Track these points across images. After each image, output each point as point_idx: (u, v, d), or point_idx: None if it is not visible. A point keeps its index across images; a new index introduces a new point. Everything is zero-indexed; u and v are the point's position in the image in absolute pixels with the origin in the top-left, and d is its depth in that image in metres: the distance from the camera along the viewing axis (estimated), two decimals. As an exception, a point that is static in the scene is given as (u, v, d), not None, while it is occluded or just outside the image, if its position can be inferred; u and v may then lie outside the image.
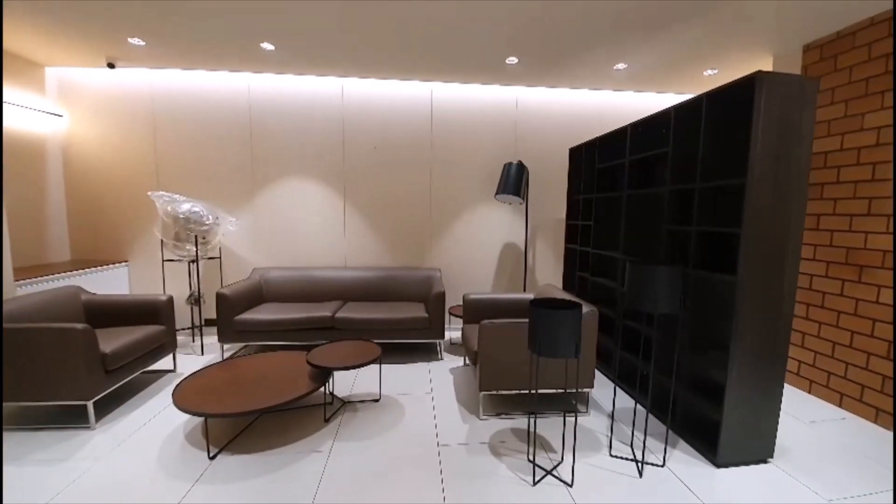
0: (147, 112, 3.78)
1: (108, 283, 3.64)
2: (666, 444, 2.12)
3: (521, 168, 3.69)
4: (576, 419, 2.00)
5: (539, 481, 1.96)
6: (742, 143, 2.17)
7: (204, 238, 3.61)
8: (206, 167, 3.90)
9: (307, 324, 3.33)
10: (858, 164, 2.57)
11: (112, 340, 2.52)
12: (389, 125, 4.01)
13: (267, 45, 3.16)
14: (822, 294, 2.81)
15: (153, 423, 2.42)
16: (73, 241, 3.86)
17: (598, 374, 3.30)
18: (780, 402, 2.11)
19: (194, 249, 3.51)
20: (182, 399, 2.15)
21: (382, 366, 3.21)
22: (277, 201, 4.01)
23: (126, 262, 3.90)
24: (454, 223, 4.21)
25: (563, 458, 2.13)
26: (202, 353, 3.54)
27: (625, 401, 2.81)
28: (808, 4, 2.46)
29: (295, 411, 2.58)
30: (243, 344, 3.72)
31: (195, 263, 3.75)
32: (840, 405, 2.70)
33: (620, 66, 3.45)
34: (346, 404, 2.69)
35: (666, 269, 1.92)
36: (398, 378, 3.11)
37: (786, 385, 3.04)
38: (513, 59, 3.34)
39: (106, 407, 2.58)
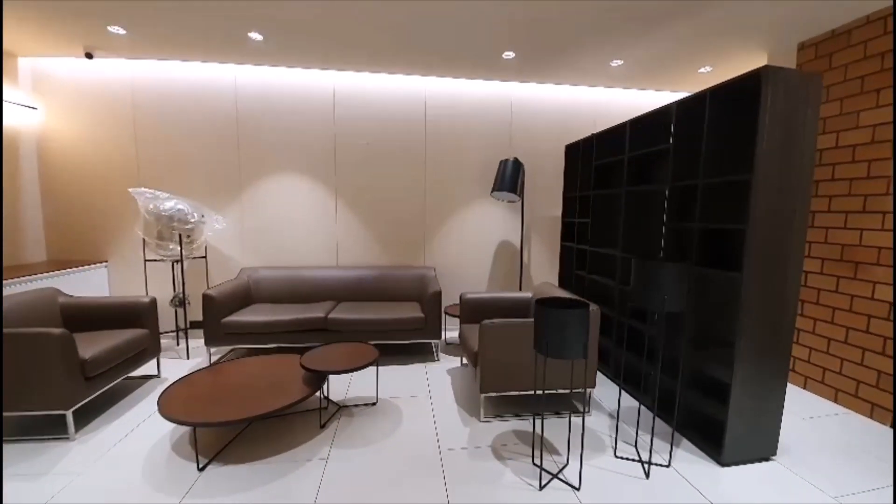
0: (127, 105, 3.61)
1: (86, 284, 3.45)
2: (672, 444, 2.09)
3: (518, 165, 3.64)
4: (583, 421, 1.95)
5: (545, 486, 1.91)
6: (746, 139, 2.16)
7: (189, 237, 3.47)
8: (191, 163, 3.74)
9: (299, 325, 3.22)
10: (854, 162, 2.59)
11: (92, 345, 2.38)
12: (382, 120, 3.92)
13: (255, 36, 3.03)
14: (817, 291, 2.83)
15: (137, 433, 2.28)
16: (48, 240, 3.66)
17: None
18: (784, 399, 2.10)
19: (178, 249, 3.37)
20: (168, 407, 2.04)
21: (378, 368, 3.12)
22: (266, 198, 3.88)
23: (105, 262, 3.72)
24: (448, 221, 4.14)
25: (568, 461, 2.09)
26: (188, 358, 3.39)
27: (625, 400, 2.79)
28: (803, 3, 2.46)
29: (288, 417, 2.48)
30: (231, 347, 3.58)
31: (179, 263, 3.59)
32: (835, 401, 2.73)
33: (617, 62, 3.43)
34: (341, 409, 2.60)
35: (673, 267, 1.89)
36: (394, 380, 3.03)
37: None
38: (509, 54, 3.28)
39: (86, 416, 2.44)
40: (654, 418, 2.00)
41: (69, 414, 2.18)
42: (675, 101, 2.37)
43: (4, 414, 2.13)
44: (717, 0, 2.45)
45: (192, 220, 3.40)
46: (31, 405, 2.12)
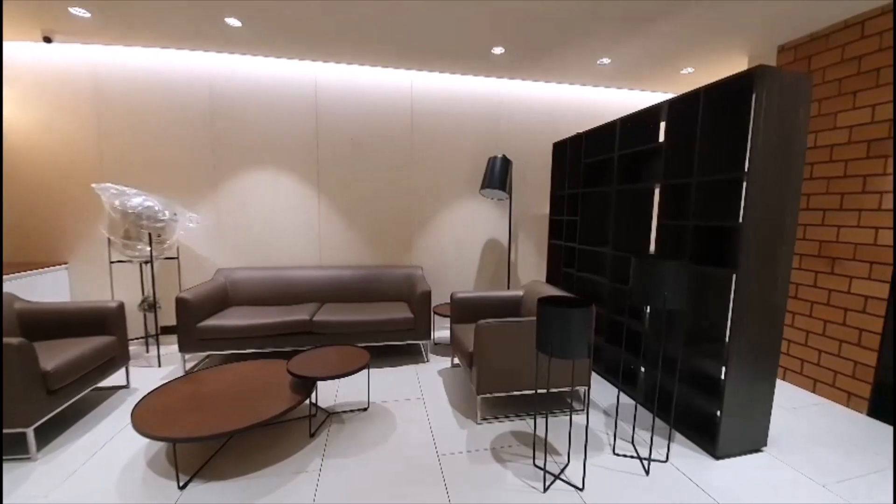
0: (89, 94, 3.32)
1: (44, 288, 3.16)
2: (670, 439, 2.10)
3: (506, 162, 3.60)
4: (587, 421, 1.93)
5: (548, 487, 1.88)
6: (739, 137, 2.20)
7: (159, 236, 3.24)
8: (161, 157, 3.49)
9: (282, 329, 3.07)
10: (831, 161, 2.69)
11: (54, 355, 2.16)
12: (367, 115, 3.79)
13: (232, 22, 2.85)
14: (795, 285, 2.94)
15: (108, 450, 2.10)
16: (3, 239, 3.34)
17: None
18: (773, 392, 2.15)
19: (148, 249, 3.14)
20: (143, 421, 1.87)
21: (369, 372, 3.01)
22: (243, 195, 3.68)
23: (66, 264, 3.42)
24: (435, 219, 4.06)
25: (568, 461, 2.06)
26: (159, 366, 3.17)
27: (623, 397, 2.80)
28: (783, 7, 2.53)
29: (275, 427, 2.34)
30: (206, 354, 3.38)
31: (149, 265, 3.35)
32: (814, 391, 2.84)
33: (605, 60, 3.44)
34: (331, 415, 2.49)
35: (674, 264, 1.89)
36: (384, 383, 2.94)
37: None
38: (499, 49, 3.23)
39: (49, 433, 2.22)
40: (654, 416, 2.01)
41: (30, 432, 1.97)
42: (667, 100, 2.38)
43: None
44: (701, 0, 2.47)
45: (163, 218, 3.18)
46: (-16, 424, 1.90)
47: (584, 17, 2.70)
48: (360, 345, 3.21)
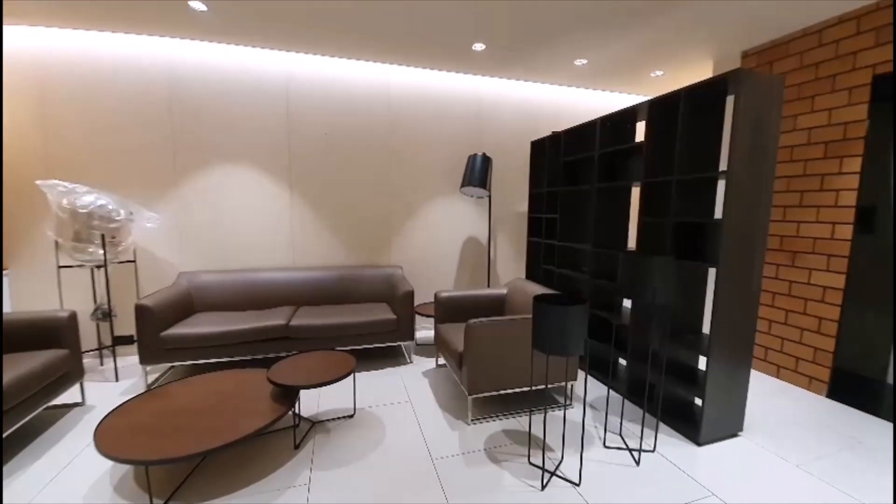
0: (33, 81, 2.97)
1: (-24, 298, 2.81)
2: (657, 430, 2.16)
3: (486, 160, 3.59)
4: (584, 417, 1.94)
5: (546, 485, 1.87)
6: (717, 137, 2.29)
7: (113, 237, 2.96)
8: (115, 151, 3.19)
9: (257, 335, 2.89)
10: (791, 161, 2.87)
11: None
12: (343, 110, 3.65)
13: (196, 5, 2.64)
14: (759, 278, 3.12)
15: (66, 475, 1.88)
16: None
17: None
18: (749, 380, 2.27)
19: (101, 252, 2.86)
20: (108, 443, 1.69)
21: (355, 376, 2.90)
22: (208, 193, 3.43)
23: (5, 269, 3.05)
24: (414, 217, 3.98)
25: (562, 457, 2.07)
26: (117, 380, 2.90)
27: (598, 389, 2.86)
28: (747, 14, 2.66)
29: (255, 440, 2.20)
30: (170, 365, 3.13)
31: (102, 269, 3.06)
32: (777, 376, 3.03)
33: (581, 61, 3.50)
34: (315, 425, 2.37)
35: (662, 260, 1.94)
36: (368, 388, 2.84)
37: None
38: (480, 46, 3.20)
39: (-11, 462, 1.97)
40: (644, 409, 2.05)
41: (-32, 463, 1.73)
42: (648, 101, 2.44)
43: None
44: (677, 4, 2.55)
45: (118, 218, 2.91)
46: None
47: (566, 16, 2.72)
48: (341, 349, 3.09)
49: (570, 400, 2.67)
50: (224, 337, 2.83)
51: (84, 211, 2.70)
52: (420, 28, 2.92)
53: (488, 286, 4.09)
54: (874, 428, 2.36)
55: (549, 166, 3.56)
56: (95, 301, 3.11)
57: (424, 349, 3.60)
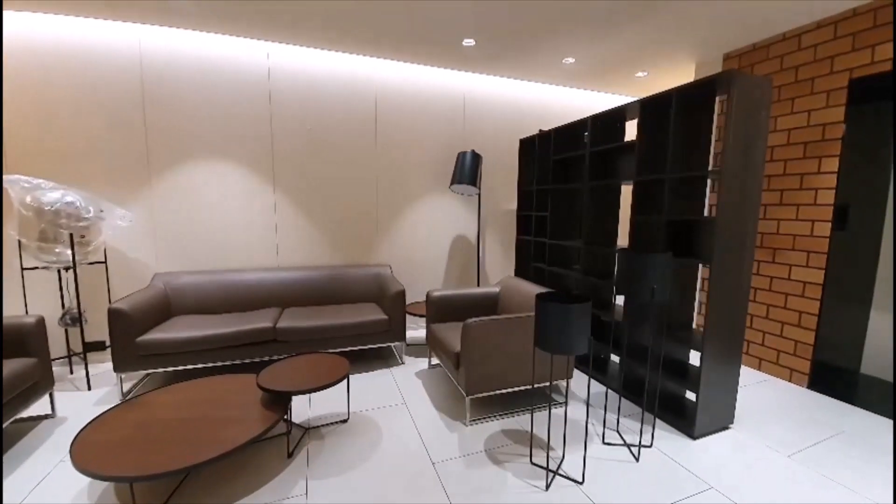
0: (-20, 66, 2.74)
1: (-75, 304, 2.56)
2: (654, 426, 2.19)
3: (476, 157, 3.56)
4: (587, 416, 1.94)
5: (550, 484, 1.86)
6: (704, 136, 2.34)
7: (82, 237, 2.78)
8: (82, 144, 2.98)
9: (242, 338, 2.76)
10: (772, 161, 2.97)
11: (-47, 388, 1.74)
12: (327, 104, 3.54)
13: (175, -9, 2.49)
14: (742, 274, 3.22)
15: (39, 494, 1.73)
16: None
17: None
18: (739, 374, 2.33)
19: (69, 252, 2.67)
20: (87, 459, 1.57)
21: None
22: (185, 189, 3.26)
23: (-46, 273, 2.80)
24: (402, 215, 3.91)
25: (564, 455, 2.06)
26: (89, 389, 2.72)
27: (593, 386, 2.88)
28: (729, 17, 2.73)
29: (245, 449, 2.09)
30: (146, 372, 2.97)
31: (70, 271, 2.86)
32: (759, 368, 3.14)
33: (570, 59, 3.52)
34: (308, 431, 2.28)
35: (661, 258, 1.96)
36: (361, 391, 2.76)
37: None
38: (470, 41, 3.16)
39: (-54, 485, 1.78)
40: (643, 405, 2.07)
41: (-77, 487, 1.56)
42: (639, 100, 2.47)
43: None
44: (665, 4, 2.58)
45: (87, 216, 2.72)
46: None
47: (557, 12, 2.72)
48: (329, 351, 3.00)
49: (567, 398, 2.67)
50: (206, 341, 2.69)
51: (50, 208, 2.50)
52: (409, 21, 2.86)
53: (478, 285, 4.07)
54: (853, 417, 2.47)
55: (538, 164, 3.56)
56: (64, 305, 2.89)
57: (415, 349, 3.54)
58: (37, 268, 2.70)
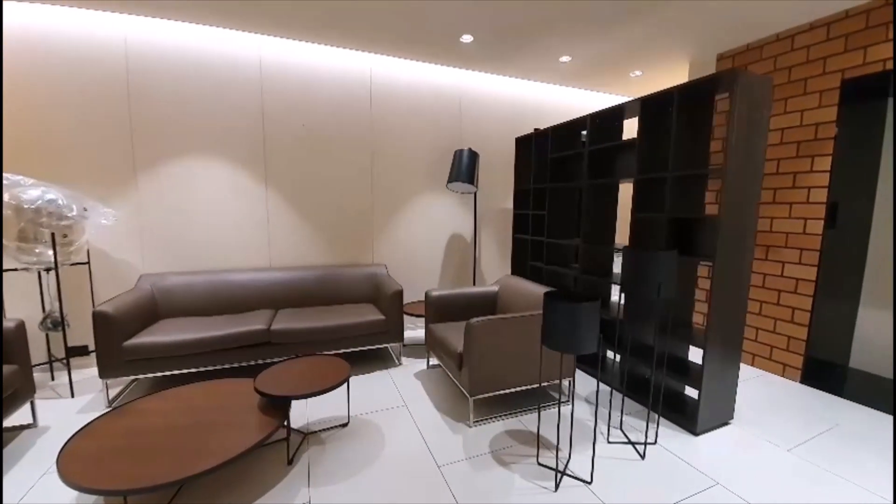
0: (-49, 55, 2.58)
1: None
2: (658, 423, 2.19)
3: (473, 155, 3.53)
4: (596, 413, 1.92)
5: (558, 485, 1.84)
6: (704, 134, 2.35)
7: (65, 236, 2.64)
8: (65, 139, 2.84)
9: (234, 341, 2.67)
10: (766, 160, 3.02)
11: (-74, 399, 1.62)
12: (322, 99, 3.45)
13: (164, -20, 2.39)
14: (735, 271, 3.27)
15: (19, 513, 1.63)
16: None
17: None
18: (738, 370, 2.35)
19: (50, 253, 2.53)
20: (76, 471, 1.48)
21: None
22: (172, 187, 3.14)
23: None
24: (396, 214, 3.85)
25: (570, 455, 2.05)
26: (72, 396, 2.59)
27: (590, 384, 2.88)
28: (724, 17, 2.75)
29: (243, 457, 2.01)
30: (132, 378, 2.85)
31: (52, 272, 2.72)
32: (752, 364, 3.19)
33: (566, 58, 3.51)
34: (307, 436, 2.21)
35: (666, 255, 1.96)
36: (360, 393, 2.70)
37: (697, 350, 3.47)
38: (468, 38, 3.13)
39: (-82, 503, 1.66)
40: (649, 403, 2.07)
41: None
42: (640, 98, 2.47)
43: None
44: (661, 3, 2.59)
45: (70, 215, 2.59)
46: None
47: (555, 11, 2.70)
48: (327, 353, 2.92)
49: (569, 396, 2.67)
50: (197, 345, 2.59)
51: (31, 206, 2.37)
52: (407, 16, 2.81)
53: (474, 284, 4.05)
54: (845, 410, 2.52)
55: (535, 163, 3.55)
56: (44, 308, 2.75)
57: (412, 350, 3.49)
58: (16, 269, 2.56)
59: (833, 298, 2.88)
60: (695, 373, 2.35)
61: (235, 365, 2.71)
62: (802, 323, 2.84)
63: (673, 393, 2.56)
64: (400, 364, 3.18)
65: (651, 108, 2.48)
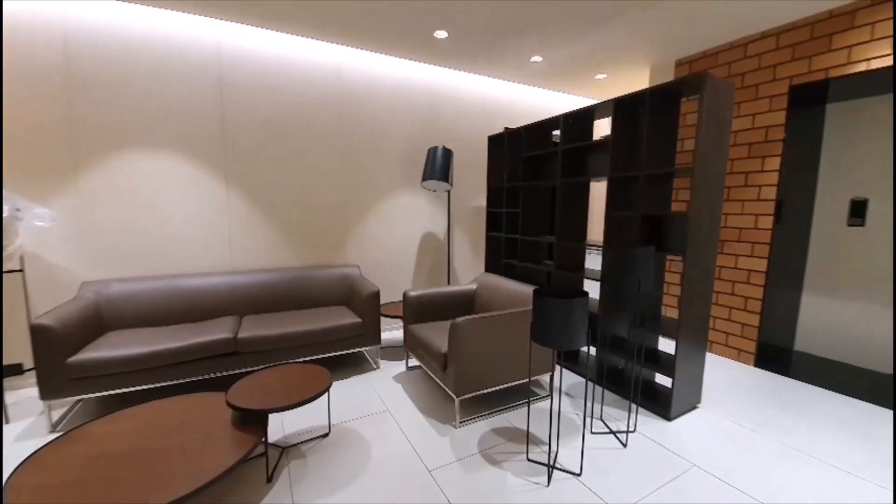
0: None
1: None
2: (636, 412, 2.27)
3: (447, 152, 3.49)
4: (592, 408, 1.96)
5: (550, 479, 1.86)
6: (671, 135, 2.47)
7: (-11, 242, 2.31)
8: (-17, 131, 2.48)
9: (196, 353, 2.46)
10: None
11: None
12: (287, 92, 3.26)
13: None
14: (694, 264, 3.48)
15: (-52, 566, 1.39)
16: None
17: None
18: (705, 357, 2.50)
19: (-30, 261, 2.21)
20: (25, 511, 1.29)
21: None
22: (118, 183, 2.84)
23: None
24: (368, 213, 3.74)
25: (557, 449, 2.08)
26: (6, 421, 2.28)
27: (569, 377, 2.95)
28: (682, 25, 2.91)
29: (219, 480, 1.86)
30: (78, 398, 2.56)
31: (-28, 283, 2.37)
32: (710, 350, 3.41)
33: (537, 58, 3.56)
34: (286, 450, 2.08)
35: (644, 252, 2.03)
36: (338, 400, 2.59)
37: (666, 340, 3.67)
38: (442, 33, 3.08)
39: None
40: (631, 394, 2.14)
41: None
42: (614, 99, 2.54)
43: None
44: (626, 1, 2.66)
45: (-5, 217, 2.27)
46: None
47: (526, 10, 2.72)
48: (298, 360, 2.78)
49: (549, 391, 2.71)
50: (153, 358, 2.36)
51: (-56, 208, 2.04)
52: (380, 8, 2.71)
53: (448, 283, 4.02)
54: (795, 390, 2.76)
55: (509, 161, 3.57)
56: (-37, 325, 2.39)
57: (388, 352, 3.41)
58: (-74, 280, 2.20)
59: (780, 288, 3.14)
60: (667, 361, 2.48)
61: (197, 378, 2.50)
62: (755, 311, 3.07)
63: (647, 382, 2.68)
64: (378, 367, 3.09)
65: (625, 108, 2.56)
